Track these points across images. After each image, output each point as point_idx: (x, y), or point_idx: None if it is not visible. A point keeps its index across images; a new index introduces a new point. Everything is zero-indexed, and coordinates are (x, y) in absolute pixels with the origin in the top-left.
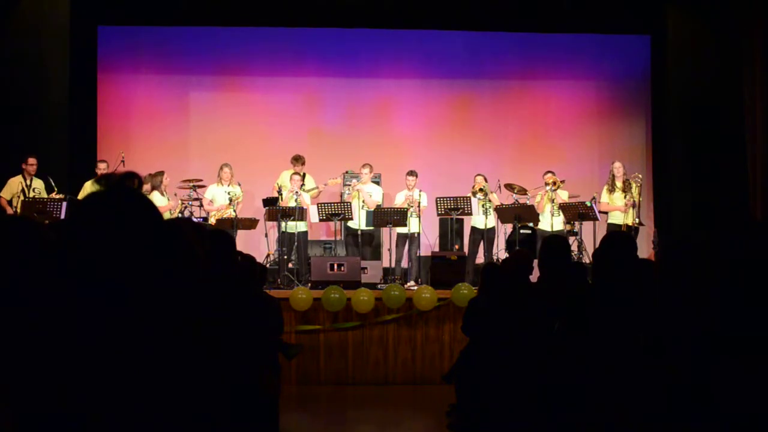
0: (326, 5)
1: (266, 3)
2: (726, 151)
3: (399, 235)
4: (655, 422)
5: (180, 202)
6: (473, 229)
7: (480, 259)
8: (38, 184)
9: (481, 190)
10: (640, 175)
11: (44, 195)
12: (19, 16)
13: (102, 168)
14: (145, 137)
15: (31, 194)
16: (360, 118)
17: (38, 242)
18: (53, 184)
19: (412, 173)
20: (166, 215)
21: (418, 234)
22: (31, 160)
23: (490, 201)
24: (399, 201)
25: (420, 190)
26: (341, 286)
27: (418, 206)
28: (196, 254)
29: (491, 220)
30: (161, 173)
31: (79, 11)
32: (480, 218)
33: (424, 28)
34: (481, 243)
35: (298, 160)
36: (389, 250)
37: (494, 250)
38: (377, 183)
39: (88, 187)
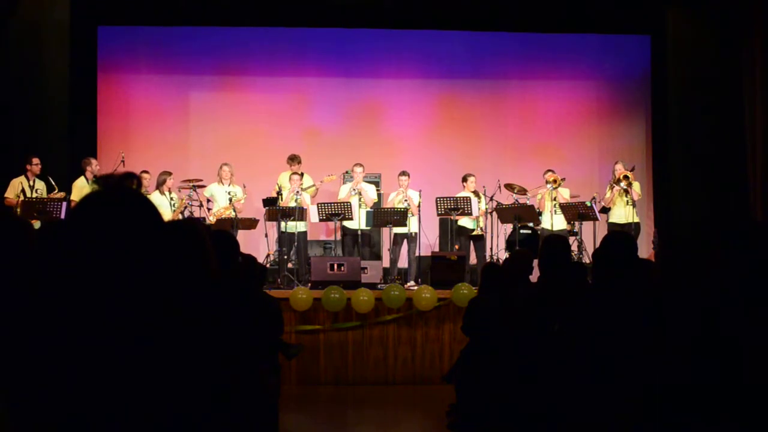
0: (326, 5)
1: (266, 3)
2: (726, 151)
3: (396, 234)
4: (655, 421)
5: (182, 201)
6: (460, 228)
7: (472, 260)
8: (40, 185)
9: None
10: (630, 174)
11: (45, 195)
12: (19, 16)
13: (94, 164)
14: (145, 137)
15: (33, 195)
16: (360, 118)
17: (19, 241)
18: (53, 183)
19: (404, 173)
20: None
21: (416, 234)
22: (35, 160)
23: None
24: (395, 199)
25: (419, 192)
26: (341, 286)
27: (418, 206)
28: (201, 255)
29: (478, 222)
30: (167, 173)
31: (79, 11)
32: (466, 219)
33: (423, 28)
34: (470, 243)
35: (294, 159)
36: (389, 250)
37: (489, 251)
38: (377, 183)
39: (80, 185)
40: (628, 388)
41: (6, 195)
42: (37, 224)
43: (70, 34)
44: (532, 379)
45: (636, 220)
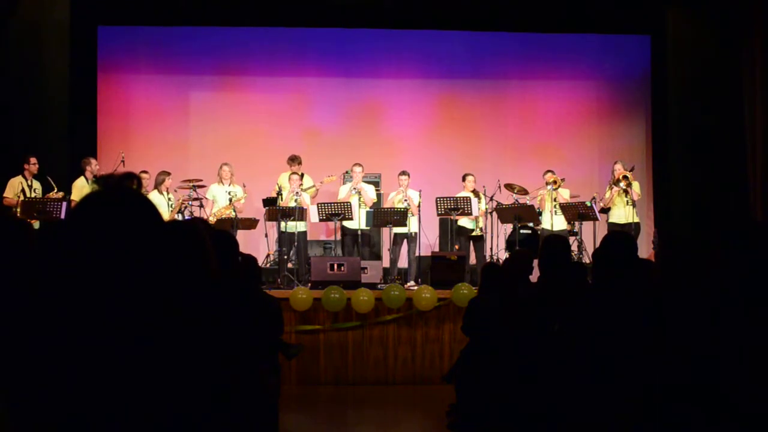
0: (326, 5)
1: (266, 3)
2: (726, 151)
3: (396, 234)
4: (655, 421)
5: (180, 201)
6: (459, 228)
7: (471, 261)
8: (37, 185)
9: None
10: (629, 174)
11: (41, 196)
12: (19, 16)
13: (94, 164)
14: (145, 137)
15: (32, 194)
16: (360, 118)
17: (19, 241)
18: (53, 183)
19: (404, 173)
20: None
21: (416, 234)
22: (33, 160)
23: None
24: (395, 198)
25: (419, 192)
26: (341, 286)
27: (418, 206)
28: (201, 255)
29: (477, 223)
30: (165, 173)
31: (79, 11)
32: (466, 219)
33: (423, 28)
34: (470, 244)
35: (294, 160)
36: (389, 250)
37: (489, 251)
38: (377, 183)
39: (80, 185)
40: (628, 388)
41: (5, 195)
42: (37, 224)
43: (70, 34)
44: (532, 379)
45: (636, 220)
